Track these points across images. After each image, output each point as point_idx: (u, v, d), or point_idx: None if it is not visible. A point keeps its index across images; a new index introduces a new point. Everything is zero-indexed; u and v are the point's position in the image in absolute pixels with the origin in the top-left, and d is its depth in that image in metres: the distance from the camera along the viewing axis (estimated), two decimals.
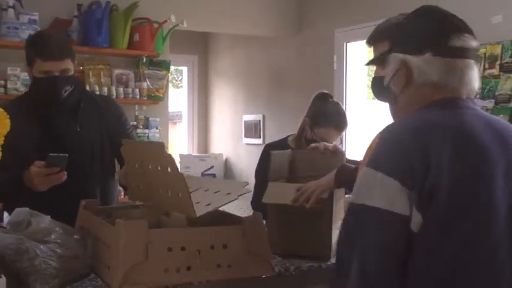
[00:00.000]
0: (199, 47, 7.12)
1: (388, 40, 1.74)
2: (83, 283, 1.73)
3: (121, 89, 4.60)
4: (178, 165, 5.76)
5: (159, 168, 1.78)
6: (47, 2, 4.40)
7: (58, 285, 1.65)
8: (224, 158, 6.83)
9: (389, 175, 1.27)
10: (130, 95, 4.64)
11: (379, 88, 1.61)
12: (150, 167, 1.84)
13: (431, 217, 1.25)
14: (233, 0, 5.28)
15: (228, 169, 6.83)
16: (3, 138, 1.98)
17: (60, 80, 2.35)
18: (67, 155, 2.23)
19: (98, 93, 4.39)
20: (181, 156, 6.48)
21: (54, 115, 2.41)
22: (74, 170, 2.26)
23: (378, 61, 1.69)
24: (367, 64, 1.81)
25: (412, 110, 1.43)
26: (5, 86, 4.13)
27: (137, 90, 4.66)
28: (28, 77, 2.54)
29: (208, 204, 1.73)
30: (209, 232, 1.74)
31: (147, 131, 4.73)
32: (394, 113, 1.53)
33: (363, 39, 4.71)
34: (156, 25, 4.63)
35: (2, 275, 1.56)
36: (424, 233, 1.26)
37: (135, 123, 4.70)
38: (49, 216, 1.87)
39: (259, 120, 6.24)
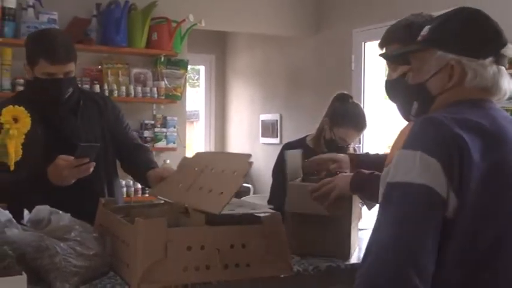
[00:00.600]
0: (217, 46, 7.12)
1: (398, 43, 1.73)
2: (102, 281, 1.73)
3: (139, 88, 4.61)
4: None
5: (223, 171, 1.80)
6: (66, 2, 4.43)
7: (78, 282, 1.66)
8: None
9: (430, 155, 1.26)
10: (149, 94, 4.65)
11: (402, 88, 1.59)
12: (213, 170, 1.87)
13: (468, 205, 1.26)
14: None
15: None
16: (23, 137, 1.99)
17: (64, 83, 2.37)
18: (98, 144, 2.27)
19: (116, 92, 4.41)
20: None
21: (56, 114, 2.42)
22: None
23: (402, 58, 1.63)
24: (391, 59, 1.77)
25: (445, 105, 1.43)
26: (24, 85, 4.15)
27: (155, 89, 4.67)
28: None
29: (221, 193, 1.73)
30: (228, 231, 1.74)
31: (164, 130, 4.75)
32: (419, 112, 1.51)
33: None
34: (174, 24, 4.64)
35: (23, 272, 1.56)
36: (460, 219, 1.27)
37: (152, 122, 4.72)
38: (69, 214, 1.88)
39: (277, 120, 6.23)
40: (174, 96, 4.78)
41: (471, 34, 1.43)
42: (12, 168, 1.94)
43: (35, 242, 1.69)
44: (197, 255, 1.68)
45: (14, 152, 1.94)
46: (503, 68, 1.43)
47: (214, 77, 7.18)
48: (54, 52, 2.33)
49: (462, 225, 1.27)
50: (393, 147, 1.50)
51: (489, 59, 1.40)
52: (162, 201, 2.14)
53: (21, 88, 4.12)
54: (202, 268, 1.69)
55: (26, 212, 2.01)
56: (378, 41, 1.88)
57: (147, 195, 4.67)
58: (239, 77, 7.00)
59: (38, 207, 1.91)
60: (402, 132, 1.42)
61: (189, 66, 4.94)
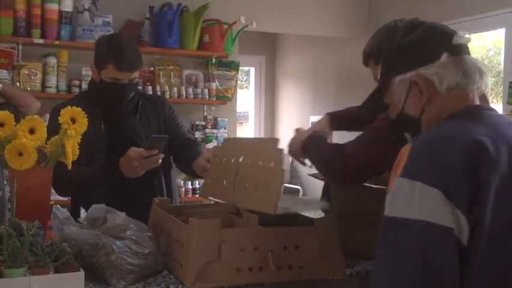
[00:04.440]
0: (267, 47, 7.13)
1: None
2: (156, 279, 1.75)
3: (190, 89, 4.66)
4: None
5: (260, 163, 1.78)
6: (121, 5, 4.52)
7: (133, 280, 1.68)
8: (290, 159, 6.80)
9: (429, 184, 1.18)
10: (200, 95, 4.70)
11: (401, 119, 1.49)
12: (249, 162, 1.85)
13: (479, 230, 1.17)
14: (301, 1, 5.26)
15: (294, 170, 6.81)
16: (80, 137, 2.04)
17: (128, 88, 2.46)
18: (167, 136, 2.34)
19: (168, 93, 4.47)
20: None
21: (118, 115, 2.51)
22: None
23: (380, 90, 1.54)
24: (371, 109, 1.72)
25: (438, 118, 1.37)
26: (79, 86, 4.26)
27: (206, 90, 4.71)
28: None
29: (267, 190, 1.72)
30: (282, 232, 1.74)
31: (215, 131, 4.78)
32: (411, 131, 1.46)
33: None
34: (225, 26, 4.67)
35: (81, 269, 1.60)
36: (473, 246, 1.18)
37: (203, 123, 4.76)
38: (124, 213, 1.92)
39: None
40: (225, 98, 4.81)
41: (413, 45, 1.40)
42: (69, 167, 1.99)
43: (92, 239, 1.72)
44: (250, 256, 1.68)
45: (72, 151, 1.99)
46: (465, 56, 1.37)
47: (264, 79, 7.20)
48: (123, 60, 2.41)
49: (478, 250, 1.18)
50: (393, 172, 1.36)
51: (444, 56, 1.35)
52: (213, 202, 2.15)
53: (76, 89, 4.23)
54: (255, 269, 1.69)
55: (82, 210, 2.06)
56: None
57: (197, 195, 4.71)
58: (289, 79, 6.99)
59: (94, 206, 1.96)
60: (402, 154, 1.32)
61: (239, 68, 4.96)
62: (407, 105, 1.41)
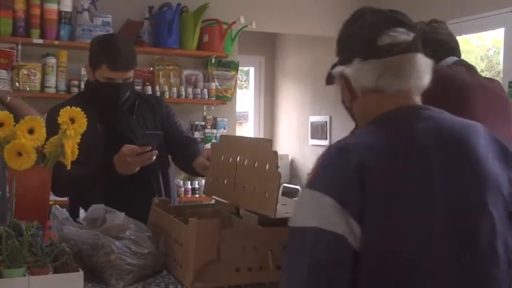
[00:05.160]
0: (267, 47, 7.14)
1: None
2: (155, 279, 1.75)
3: (190, 89, 4.66)
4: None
5: (256, 164, 1.77)
6: (120, 5, 4.52)
7: (132, 280, 1.68)
8: (290, 159, 6.82)
9: (325, 193, 1.19)
10: (199, 95, 4.69)
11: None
12: (245, 163, 1.85)
13: (370, 234, 1.17)
14: (301, 1, 5.26)
15: (293, 170, 6.81)
16: (79, 137, 2.04)
17: (123, 87, 2.46)
18: (161, 132, 2.36)
19: (167, 93, 4.47)
20: None
21: (114, 115, 2.52)
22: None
23: (328, 79, 1.50)
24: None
25: (367, 121, 1.35)
26: (79, 86, 4.26)
27: (206, 90, 4.71)
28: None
29: (265, 193, 1.71)
30: (281, 232, 1.72)
31: (215, 131, 4.78)
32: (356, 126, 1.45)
33: None
34: (225, 26, 4.67)
35: (80, 269, 1.60)
36: (365, 250, 1.17)
37: (203, 123, 4.76)
38: (123, 213, 1.92)
39: (326, 122, 6.19)
40: (225, 98, 4.81)
41: (345, 39, 1.38)
42: (69, 167, 1.99)
43: (91, 239, 1.72)
44: (250, 256, 1.68)
45: (71, 151, 1.99)
46: (404, 56, 1.30)
47: (263, 79, 7.20)
48: (116, 60, 2.41)
49: (370, 255, 1.17)
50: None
51: (357, 59, 1.31)
52: (213, 202, 2.15)
53: (76, 90, 4.23)
54: (255, 269, 1.69)
55: (81, 210, 2.06)
56: None
57: (197, 195, 4.72)
58: (288, 79, 6.99)
59: (93, 206, 1.96)
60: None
61: (239, 68, 4.97)
62: (343, 96, 1.41)
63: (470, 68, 2.22)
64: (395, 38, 1.30)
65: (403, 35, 1.30)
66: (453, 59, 2.21)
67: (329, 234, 1.16)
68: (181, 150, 2.62)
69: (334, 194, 1.18)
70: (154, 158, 2.30)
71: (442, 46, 2.22)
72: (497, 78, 4.17)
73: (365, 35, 1.32)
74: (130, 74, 2.47)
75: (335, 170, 1.22)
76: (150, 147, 2.26)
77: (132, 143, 2.39)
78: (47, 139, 1.97)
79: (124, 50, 2.45)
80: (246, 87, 8.10)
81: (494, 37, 5.04)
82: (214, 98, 4.76)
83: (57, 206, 1.92)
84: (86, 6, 4.27)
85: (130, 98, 2.54)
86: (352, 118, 1.45)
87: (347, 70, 1.34)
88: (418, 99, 1.34)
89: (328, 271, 1.16)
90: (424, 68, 1.32)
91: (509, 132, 2.14)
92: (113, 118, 2.51)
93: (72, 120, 1.98)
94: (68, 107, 1.98)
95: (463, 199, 1.22)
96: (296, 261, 1.20)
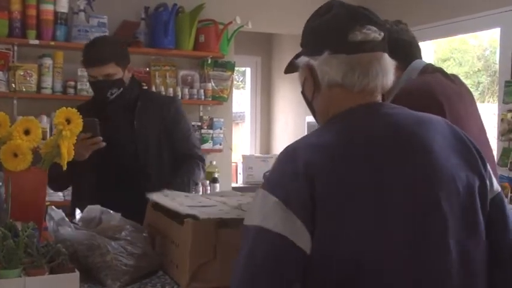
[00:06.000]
0: (263, 48, 7.13)
1: None
2: (151, 280, 1.75)
3: (186, 90, 4.66)
4: (241, 165, 5.74)
5: None
6: (116, 6, 4.51)
7: (128, 281, 1.69)
8: None
9: (271, 193, 1.18)
10: (195, 96, 4.69)
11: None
12: None
13: (320, 234, 1.15)
14: (297, 1, 5.26)
15: None
16: (75, 138, 2.04)
17: (103, 84, 2.55)
18: (97, 119, 2.42)
19: (173, 97, 4.47)
20: (243, 157, 6.51)
21: (104, 113, 2.58)
22: (128, 161, 2.55)
23: (288, 68, 1.49)
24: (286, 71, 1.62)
25: (326, 115, 1.34)
26: (75, 87, 4.25)
27: (202, 91, 4.71)
28: None
29: None
30: None
31: (211, 131, 4.78)
32: (315, 120, 1.43)
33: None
34: (221, 26, 4.67)
35: (76, 270, 1.60)
36: (315, 251, 1.16)
37: (199, 123, 4.76)
38: (119, 214, 1.92)
39: None
40: (221, 98, 4.81)
41: (313, 30, 1.35)
42: (64, 168, 1.99)
43: (87, 240, 1.72)
44: None
45: (67, 152, 1.99)
46: (372, 54, 1.29)
47: (260, 79, 7.20)
48: (89, 56, 2.55)
49: (318, 256, 1.16)
50: None
51: (327, 52, 1.29)
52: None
53: (72, 91, 4.24)
54: None
55: (77, 211, 2.06)
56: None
57: None
58: (285, 79, 6.99)
59: (89, 207, 1.96)
60: None
61: (235, 68, 4.96)
62: (304, 87, 1.40)
63: (446, 75, 2.18)
64: (367, 35, 1.29)
65: (374, 33, 1.30)
66: (421, 62, 2.15)
67: (269, 233, 1.15)
68: (174, 166, 2.69)
69: (280, 194, 1.17)
70: (101, 144, 2.42)
71: (415, 46, 2.18)
72: (493, 78, 4.17)
73: (336, 28, 1.30)
74: (110, 69, 2.53)
75: (283, 170, 1.22)
76: (91, 134, 2.37)
77: (117, 141, 2.51)
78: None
79: (98, 46, 2.57)
80: (242, 87, 8.10)
81: (491, 37, 5.05)
82: (210, 99, 4.75)
83: (53, 207, 1.92)
84: (82, 7, 4.27)
85: (124, 96, 2.58)
86: (310, 110, 1.42)
87: (314, 61, 1.32)
88: (379, 98, 1.34)
89: (264, 269, 1.15)
90: (389, 68, 1.32)
91: (481, 128, 2.12)
92: (102, 115, 2.56)
93: (68, 121, 1.98)
94: (64, 107, 2.00)
95: (414, 195, 1.20)
96: (239, 258, 1.20)
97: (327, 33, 1.31)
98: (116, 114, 2.61)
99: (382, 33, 1.32)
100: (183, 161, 2.68)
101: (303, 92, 1.41)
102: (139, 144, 2.63)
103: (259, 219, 1.18)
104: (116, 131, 2.59)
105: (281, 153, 1.26)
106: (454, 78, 2.12)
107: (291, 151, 1.24)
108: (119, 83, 2.57)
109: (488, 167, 1.33)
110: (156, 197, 1.99)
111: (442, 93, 1.95)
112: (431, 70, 2.09)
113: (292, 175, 1.18)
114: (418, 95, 1.88)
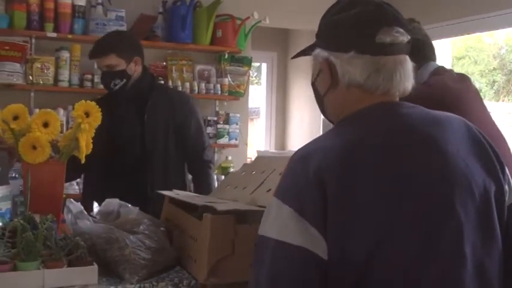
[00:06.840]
0: (279, 43, 7.11)
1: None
2: (169, 274, 1.75)
3: (203, 85, 4.65)
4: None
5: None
6: None
7: (146, 275, 1.68)
8: None
9: (284, 202, 1.15)
10: (212, 91, 4.69)
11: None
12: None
13: (334, 241, 1.12)
14: None
15: None
16: (94, 131, 2.04)
17: (106, 75, 2.61)
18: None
19: (180, 88, 4.47)
20: (258, 152, 6.50)
21: (109, 104, 2.57)
22: (134, 152, 2.59)
23: (302, 53, 1.45)
24: (294, 57, 1.60)
25: (339, 114, 1.30)
26: (92, 80, 4.26)
27: (218, 86, 4.70)
28: None
29: None
30: None
31: (227, 126, 4.77)
32: (323, 114, 1.39)
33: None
34: (238, 21, 4.65)
35: (94, 263, 1.59)
36: (332, 258, 1.13)
37: (215, 118, 4.75)
38: (137, 208, 1.91)
39: None
40: (237, 93, 4.80)
41: (338, 24, 1.27)
42: (83, 161, 1.99)
43: (105, 233, 1.72)
44: None
45: (85, 145, 1.99)
46: (398, 57, 1.25)
47: (275, 74, 7.17)
48: (92, 48, 2.63)
49: (335, 260, 1.13)
50: None
51: (353, 52, 1.23)
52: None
53: (89, 84, 4.25)
54: None
55: (95, 204, 2.06)
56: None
57: None
58: (300, 75, 6.97)
59: (108, 200, 1.96)
60: None
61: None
62: (318, 81, 1.35)
63: (460, 76, 2.23)
64: (396, 38, 1.24)
65: (402, 36, 1.25)
66: (433, 65, 2.16)
67: (288, 246, 1.12)
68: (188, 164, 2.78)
69: (292, 203, 1.14)
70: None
71: (428, 45, 2.19)
72: (509, 77, 4.13)
73: (364, 27, 1.24)
74: (110, 60, 2.57)
75: (294, 177, 1.19)
76: None
77: (121, 133, 2.58)
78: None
79: (101, 38, 2.65)
80: (257, 83, 8.08)
81: (508, 35, 4.99)
82: (226, 94, 4.74)
83: (71, 199, 1.92)
84: (99, 1, 4.27)
85: (130, 88, 2.62)
86: (318, 103, 1.38)
87: (337, 59, 1.26)
88: (398, 98, 1.29)
89: (289, 283, 1.13)
90: (411, 72, 1.28)
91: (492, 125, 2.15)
92: (117, 110, 2.62)
93: (87, 114, 1.98)
94: (83, 101, 2.00)
95: (428, 199, 1.16)
96: (259, 271, 1.17)
97: (353, 31, 1.25)
98: (122, 106, 2.64)
99: (408, 36, 1.27)
100: (197, 172, 2.77)
101: (313, 84, 1.37)
102: (147, 136, 2.65)
103: (276, 232, 1.15)
104: (121, 122, 2.62)
105: (292, 159, 1.23)
106: (462, 78, 2.19)
107: (302, 158, 1.20)
108: (122, 74, 2.60)
109: (507, 171, 1.28)
110: (169, 194, 1.99)
111: (454, 86, 2.05)
112: (442, 72, 2.13)
113: (304, 183, 1.15)
114: (434, 88, 1.99)
